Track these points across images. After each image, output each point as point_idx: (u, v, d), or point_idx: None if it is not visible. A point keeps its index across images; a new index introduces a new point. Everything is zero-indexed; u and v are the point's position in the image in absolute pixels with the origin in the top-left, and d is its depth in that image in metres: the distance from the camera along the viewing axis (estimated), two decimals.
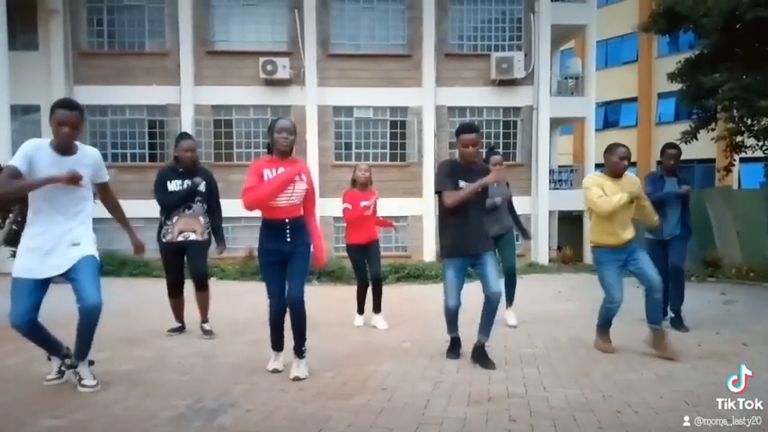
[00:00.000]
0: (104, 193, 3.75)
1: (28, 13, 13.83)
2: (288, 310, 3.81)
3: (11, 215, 10.29)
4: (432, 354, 4.55)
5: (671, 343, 4.52)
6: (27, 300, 3.30)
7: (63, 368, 3.59)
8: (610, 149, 4.61)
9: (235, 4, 14.76)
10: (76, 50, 14.32)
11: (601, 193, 4.47)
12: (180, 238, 4.99)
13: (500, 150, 11.22)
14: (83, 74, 14.17)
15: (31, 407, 3.20)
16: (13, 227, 10.47)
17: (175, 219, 4.99)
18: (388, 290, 5.84)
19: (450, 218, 4.19)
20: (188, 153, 5.00)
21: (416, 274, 10.62)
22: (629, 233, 4.55)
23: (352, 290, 5.90)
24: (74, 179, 3.27)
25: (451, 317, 4.41)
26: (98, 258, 3.48)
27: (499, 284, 4.26)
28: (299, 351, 3.84)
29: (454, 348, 4.48)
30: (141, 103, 14.46)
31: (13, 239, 10.59)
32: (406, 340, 5.09)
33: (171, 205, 4.97)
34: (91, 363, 3.55)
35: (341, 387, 3.63)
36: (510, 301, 5.79)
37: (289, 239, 3.77)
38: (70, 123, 3.31)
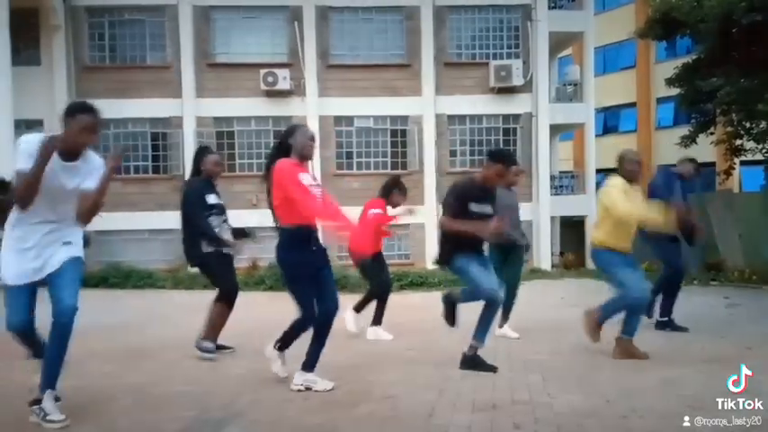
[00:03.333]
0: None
1: (31, 28, 13.98)
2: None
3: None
4: (436, 362, 4.55)
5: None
6: (25, 302, 3.13)
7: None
8: (625, 155, 4.68)
9: (235, 16, 14.89)
10: (79, 65, 14.44)
11: (624, 198, 4.50)
12: (225, 250, 4.86)
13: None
14: (85, 88, 14.27)
15: (37, 421, 3.20)
16: None
17: (217, 231, 4.83)
18: (390, 298, 5.85)
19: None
20: (218, 167, 5.01)
21: (419, 282, 10.63)
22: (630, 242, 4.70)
23: (356, 299, 5.91)
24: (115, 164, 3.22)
25: (494, 312, 4.26)
26: (84, 263, 3.28)
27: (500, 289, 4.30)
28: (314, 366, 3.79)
29: (478, 359, 4.29)
30: (144, 116, 14.55)
31: None
32: (410, 348, 5.10)
33: (208, 224, 4.81)
34: (57, 399, 3.13)
35: (346, 396, 3.64)
36: (507, 314, 5.66)
37: (314, 248, 3.70)
38: (95, 129, 3.13)
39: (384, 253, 5.96)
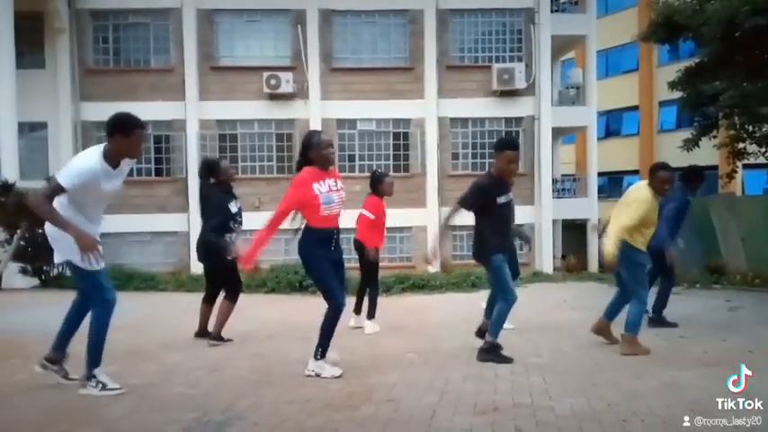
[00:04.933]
0: None
1: (35, 32, 14.07)
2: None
3: (18, 231, 10.40)
4: (437, 364, 4.55)
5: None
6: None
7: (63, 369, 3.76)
8: (658, 173, 4.78)
9: (238, 20, 14.95)
10: (83, 68, 14.52)
11: (645, 211, 4.67)
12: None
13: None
14: (89, 91, 14.35)
15: (38, 423, 3.22)
16: (21, 242, 10.58)
17: (234, 236, 5.19)
18: (392, 300, 5.88)
19: (493, 221, 4.49)
20: (233, 170, 5.47)
21: (421, 285, 10.60)
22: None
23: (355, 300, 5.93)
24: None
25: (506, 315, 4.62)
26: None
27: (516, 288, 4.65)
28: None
29: (499, 352, 4.56)
30: (147, 118, 14.30)
31: (21, 255, 10.72)
32: (412, 351, 5.09)
33: (219, 242, 5.12)
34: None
35: (347, 399, 3.64)
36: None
37: (333, 248, 4.09)
38: (141, 144, 3.56)
39: (386, 255, 6.06)
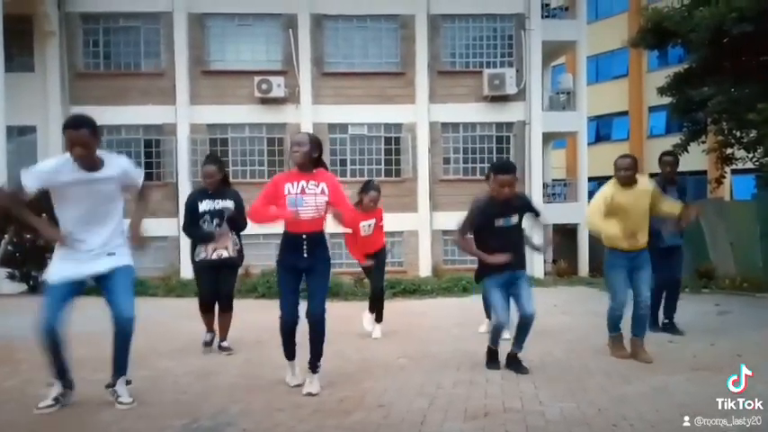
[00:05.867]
0: (138, 196, 3.76)
1: (24, 35, 13.98)
2: (307, 323, 3.87)
3: (6, 236, 10.28)
4: (428, 369, 4.56)
5: (644, 349, 4.78)
6: (59, 303, 3.32)
7: (60, 397, 3.46)
8: (615, 161, 4.78)
9: (230, 24, 14.93)
10: (73, 71, 14.43)
11: (601, 205, 4.65)
12: (214, 256, 5.09)
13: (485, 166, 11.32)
14: (79, 94, 14.26)
15: (29, 429, 3.19)
16: (9, 247, 10.47)
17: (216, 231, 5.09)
18: (383, 305, 5.87)
19: (490, 243, 4.30)
20: (207, 179, 5.18)
21: (412, 290, 10.61)
22: (638, 240, 4.69)
23: (349, 306, 5.95)
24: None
25: (499, 333, 4.57)
26: (134, 268, 3.57)
27: (532, 306, 4.38)
28: (314, 366, 3.89)
29: (493, 359, 4.58)
30: (137, 122, 14.54)
31: (9, 260, 10.60)
32: (403, 356, 5.09)
33: (196, 233, 5.10)
34: (128, 382, 3.60)
35: (338, 404, 3.64)
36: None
37: (306, 255, 3.83)
38: (81, 143, 3.25)
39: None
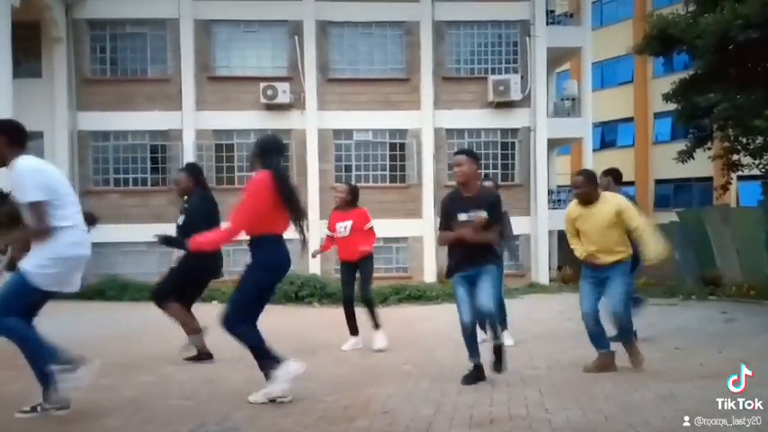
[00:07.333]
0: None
1: (32, 41, 14.06)
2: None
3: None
4: (433, 376, 4.54)
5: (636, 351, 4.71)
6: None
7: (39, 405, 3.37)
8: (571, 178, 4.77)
9: (235, 30, 15.01)
10: (79, 77, 14.52)
11: (566, 223, 4.69)
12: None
13: (490, 172, 11.33)
14: (86, 100, 14.34)
15: None
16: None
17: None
18: (388, 311, 5.86)
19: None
20: (175, 186, 5.40)
21: (417, 296, 10.61)
22: (599, 259, 4.52)
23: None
24: None
25: (468, 336, 4.30)
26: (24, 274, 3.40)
27: (488, 302, 4.17)
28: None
29: (473, 375, 4.28)
30: (143, 128, 14.61)
31: (13, 266, 10.64)
32: (408, 363, 5.08)
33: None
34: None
35: (342, 411, 3.62)
36: (503, 324, 5.61)
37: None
38: None
39: (382, 266, 6.00)
